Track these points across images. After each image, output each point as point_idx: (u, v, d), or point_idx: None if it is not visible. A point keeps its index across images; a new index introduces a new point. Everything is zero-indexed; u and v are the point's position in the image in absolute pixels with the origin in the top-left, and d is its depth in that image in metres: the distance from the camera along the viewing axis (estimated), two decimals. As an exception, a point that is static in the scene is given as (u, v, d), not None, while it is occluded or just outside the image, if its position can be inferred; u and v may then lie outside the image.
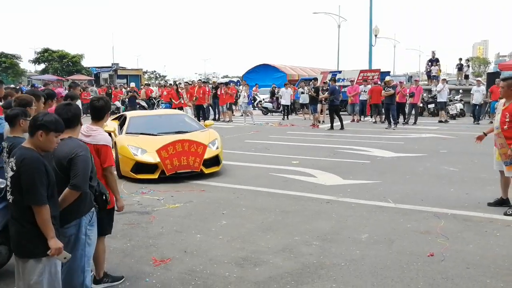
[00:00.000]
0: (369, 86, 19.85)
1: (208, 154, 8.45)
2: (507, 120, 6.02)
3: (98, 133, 3.92)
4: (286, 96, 21.24)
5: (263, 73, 34.44)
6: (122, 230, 5.63)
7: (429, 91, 22.88)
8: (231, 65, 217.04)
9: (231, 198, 7.04)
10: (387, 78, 18.23)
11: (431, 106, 22.10)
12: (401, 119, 18.19)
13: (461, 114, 21.27)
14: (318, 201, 6.76)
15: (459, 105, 21.41)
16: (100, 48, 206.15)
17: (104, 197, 3.56)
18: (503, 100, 6.25)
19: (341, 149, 11.74)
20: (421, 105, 20.36)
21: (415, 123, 18.34)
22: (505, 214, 5.90)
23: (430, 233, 5.28)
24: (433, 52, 25.70)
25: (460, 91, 22.66)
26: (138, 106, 22.86)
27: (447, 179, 8.13)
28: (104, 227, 4.01)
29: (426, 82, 25.91)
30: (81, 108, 3.97)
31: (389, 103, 17.04)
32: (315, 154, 10.99)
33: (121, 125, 9.75)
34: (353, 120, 19.95)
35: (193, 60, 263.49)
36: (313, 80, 19.34)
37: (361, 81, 21.68)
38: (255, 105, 27.12)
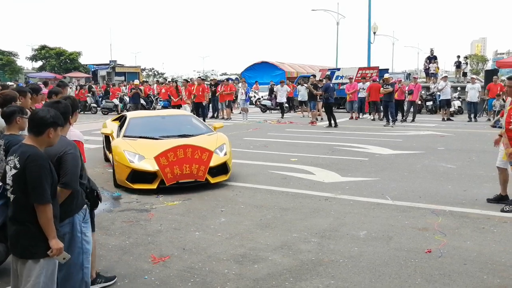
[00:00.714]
0: (368, 84, 19.88)
1: (214, 161, 7.48)
2: None
3: (69, 129, 3.89)
4: (281, 93, 21.16)
5: (261, 70, 34.44)
6: (121, 228, 5.64)
7: (428, 88, 22.92)
8: (229, 62, 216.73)
9: (229, 195, 7.06)
10: (386, 76, 18.26)
11: (429, 103, 22.15)
12: (399, 116, 18.22)
13: (459, 111, 21.31)
14: (316, 198, 6.78)
15: (457, 103, 21.45)
16: (97, 46, 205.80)
17: (95, 194, 3.53)
18: (510, 99, 6.23)
19: (339, 146, 11.76)
20: (419, 102, 20.39)
21: (413, 120, 18.37)
22: (502, 210, 5.93)
23: (428, 230, 5.31)
24: (432, 50, 25.75)
25: (458, 88, 22.70)
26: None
27: (445, 176, 8.16)
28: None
29: (425, 80, 25.94)
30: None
31: (388, 101, 17.06)
32: (314, 151, 11.01)
33: (120, 127, 8.88)
34: (351, 118, 19.97)
35: (191, 58, 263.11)
36: (311, 77, 19.35)
37: (360, 78, 21.71)
38: (254, 102, 27.13)
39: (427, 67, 25.12)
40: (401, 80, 19.24)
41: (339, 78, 24.18)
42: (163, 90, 22.95)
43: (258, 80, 30.58)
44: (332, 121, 16.59)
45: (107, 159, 9.41)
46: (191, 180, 7.28)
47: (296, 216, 5.98)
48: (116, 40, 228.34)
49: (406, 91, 18.32)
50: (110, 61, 47.55)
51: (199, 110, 18.79)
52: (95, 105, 25.10)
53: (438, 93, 20.56)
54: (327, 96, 16.58)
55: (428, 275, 4.12)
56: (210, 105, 21.24)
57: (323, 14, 46.18)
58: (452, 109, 20.08)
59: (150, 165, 7.18)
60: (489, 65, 66.77)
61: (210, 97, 20.66)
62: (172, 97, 19.17)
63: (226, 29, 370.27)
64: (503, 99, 17.35)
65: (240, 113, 20.82)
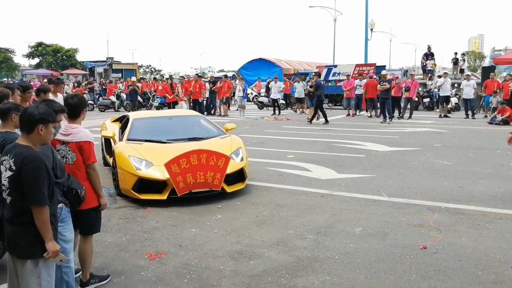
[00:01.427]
0: (365, 81, 19.89)
1: (230, 168, 6.68)
2: None
3: (78, 130, 3.85)
4: (274, 90, 21.10)
5: (259, 67, 34.40)
6: (117, 225, 5.65)
7: (425, 85, 22.94)
8: (227, 59, 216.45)
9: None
10: (383, 72, 18.26)
11: (426, 100, 22.17)
12: (396, 113, 18.24)
13: (456, 108, 21.34)
14: (312, 195, 6.79)
15: (454, 100, 21.47)
16: (94, 42, 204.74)
17: (74, 192, 3.43)
18: None
19: (336, 143, 11.78)
20: (416, 99, 20.41)
21: (410, 117, 18.40)
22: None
23: (423, 226, 5.33)
24: (429, 46, 25.76)
25: (455, 85, 22.72)
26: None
27: (441, 173, 8.19)
28: (92, 225, 3.97)
29: (422, 76, 25.97)
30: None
31: (385, 97, 17.07)
32: (310, 148, 11.02)
33: (123, 129, 8.17)
34: (348, 114, 19.98)
35: (188, 54, 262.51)
36: (313, 74, 19.43)
37: (357, 75, 21.70)
38: (251, 99, 27.11)
39: (424, 64, 25.13)
40: (398, 77, 19.24)
41: (336, 75, 24.19)
42: (160, 87, 22.93)
43: (255, 78, 30.54)
44: (323, 118, 16.72)
45: (106, 163, 8.75)
46: (206, 190, 6.49)
47: (292, 212, 5.99)
48: (113, 37, 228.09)
49: (403, 88, 18.34)
50: (107, 58, 47.36)
51: (196, 107, 18.78)
52: (91, 102, 25.03)
53: (436, 90, 20.58)
54: (319, 94, 16.60)
55: (423, 271, 4.14)
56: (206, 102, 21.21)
57: (321, 11, 46.16)
58: (449, 106, 20.10)
59: (159, 173, 6.38)
60: (487, 62, 66.93)
61: (208, 94, 20.64)
62: (167, 94, 19.14)
63: (223, 26, 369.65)
64: (500, 97, 17.40)
65: (237, 110, 20.80)
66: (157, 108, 24.14)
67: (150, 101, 24.53)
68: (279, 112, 20.76)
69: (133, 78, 22.66)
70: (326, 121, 16.59)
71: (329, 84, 23.71)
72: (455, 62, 26.25)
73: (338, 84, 23.40)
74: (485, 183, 7.37)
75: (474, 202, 6.30)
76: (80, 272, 4.05)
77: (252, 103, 27.00)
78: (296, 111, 21.76)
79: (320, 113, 17.11)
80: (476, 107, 19.21)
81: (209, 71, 72.84)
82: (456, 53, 26.60)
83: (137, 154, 6.71)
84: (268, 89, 24.97)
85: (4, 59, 49.85)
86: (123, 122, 8.55)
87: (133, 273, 4.27)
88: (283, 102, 23.05)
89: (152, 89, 25.53)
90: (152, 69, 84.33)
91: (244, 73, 33.47)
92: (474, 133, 13.72)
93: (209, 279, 4.10)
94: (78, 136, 3.82)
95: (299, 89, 20.94)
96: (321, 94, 16.67)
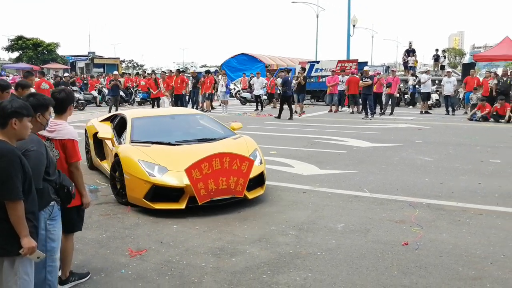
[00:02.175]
0: (347, 77, 19.97)
1: (253, 172, 6.17)
2: None
3: (63, 127, 3.74)
4: (257, 85, 21.05)
5: (242, 62, 34.31)
6: (98, 221, 5.55)
7: (406, 81, 23.17)
8: (209, 54, 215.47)
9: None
10: (365, 68, 18.38)
11: (408, 96, 22.40)
12: (377, 109, 18.38)
13: (437, 104, 21.62)
14: (295, 191, 6.78)
15: (435, 96, 21.74)
16: (76, 37, 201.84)
17: (66, 190, 3.38)
18: None
19: (318, 139, 11.81)
20: (397, 95, 20.60)
21: (391, 113, 18.57)
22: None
23: (405, 222, 5.37)
24: (410, 43, 26.02)
25: (436, 82, 23.00)
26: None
27: (422, 169, 8.27)
28: (74, 224, 3.89)
29: (403, 73, 26.21)
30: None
31: (367, 93, 17.18)
32: (293, 144, 11.02)
33: (117, 130, 7.53)
34: (330, 110, 20.07)
35: (171, 49, 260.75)
36: (300, 70, 19.56)
37: (339, 71, 21.78)
38: (234, 95, 27.03)
39: (405, 60, 25.38)
40: (380, 73, 19.39)
41: (319, 70, 24.24)
42: (142, 83, 22.67)
43: (238, 73, 30.45)
44: (289, 113, 17.07)
45: (92, 167, 8.25)
46: (228, 197, 5.94)
47: (274, 208, 5.97)
48: (95, 31, 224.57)
49: (385, 84, 18.48)
50: (88, 53, 46.74)
51: (178, 102, 18.63)
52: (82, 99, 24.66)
53: (417, 86, 20.80)
54: (285, 89, 17.08)
55: (404, 267, 4.16)
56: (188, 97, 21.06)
57: (303, 7, 46.23)
58: (430, 102, 20.35)
59: (176, 179, 5.78)
60: (467, 59, 67.91)
61: (190, 89, 20.49)
62: (151, 90, 18.95)
63: (206, 21, 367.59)
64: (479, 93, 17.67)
65: (220, 105, 20.71)
66: (139, 103, 23.90)
67: (133, 96, 24.24)
68: (262, 108, 20.73)
69: (115, 73, 22.37)
70: (278, 117, 17.01)
71: (312, 80, 23.75)
72: (436, 58, 26.57)
73: (321, 80, 23.47)
74: (466, 179, 7.47)
75: (454, 198, 6.37)
76: (60, 270, 3.96)
77: (235, 98, 26.93)
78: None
79: (280, 106, 17.58)
80: (456, 104, 19.48)
81: (191, 66, 72.36)
82: (437, 50, 26.93)
83: (147, 158, 6.06)
84: (250, 85, 24.94)
85: (-18, 52, 48.87)
86: (116, 122, 7.88)
87: (113, 270, 4.20)
88: (265, 97, 23.02)
89: (135, 84, 25.24)
90: (135, 64, 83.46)
91: (227, 68, 33.33)
92: (455, 129, 13.90)
93: (191, 276, 4.05)
94: (62, 133, 3.72)
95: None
96: (287, 90, 17.12)
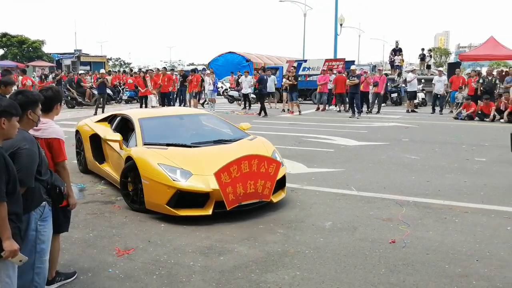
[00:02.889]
0: (333, 76, 20.06)
1: (279, 175, 5.96)
2: None
3: (49, 125, 3.67)
4: (245, 84, 21.07)
5: (229, 61, 34.25)
6: (85, 220, 5.49)
7: (393, 80, 23.34)
8: (197, 52, 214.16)
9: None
10: (352, 67, 18.48)
11: (394, 95, 22.59)
12: (364, 108, 18.50)
13: (423, 103, 21.82)
14: (283, 190, 6.78)
15: (421, 95, 21.95)
16: (62, 34, 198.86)
17: (58, 190, 3.34)
18: None
19: (306, 137, 11.84)
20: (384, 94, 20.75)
21: (378, 112, 18.70)
22: None
23: (392, 220, 5.41)
24: (397, 42, 26.21)
25: (422, 81, 23.22)
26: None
27: (409, 167, 8.34)
28: (61, 224, 3.81)
29: (390, 72, 26.41)
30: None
31: (354, 92, 17.29)
32: (281, 142, 11.02)
33: (118, 131, 7.07)
34: (317, 109, 20.13)
35: (158, 48, 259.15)
36: (292, 69, 19.78)
37: (326, 70, 21.87)
38: (221, 93, 26.97)
39: (392, 59, 25.56)
40: (366, 72, 19.52)
41: (306, 69, 24.31)
42: (130, 81, 22.49)
43: (226, 71, 30.39)
44: (263, 111, 17.64)
45: (86, 170, 7.83)
46: (255, 201, 5.69)
47: (263, 207, 5.95)
48: (81, 29, 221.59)
49: (372, 83, 18.61)
50: (75, 50, 46.18)
51: (165, 100, 18.54)
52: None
53: (403, 85, 20.98)
54: (261, 88, 17.73)
55: (392, 265, 4.19)
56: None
57: (291, 6, 46.26)
58: (416, 101, 20.55)
59: (203, 184, 5.47)
60: (452, 58, 68.68)
61: (178, 87, 20.39)
62: (139, 88, 18.82)
63: (193, 20, 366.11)
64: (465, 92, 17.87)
65: (207, 103, 20.64)
66: (126, 101, 23.72)
67: (120, 94, 24.04)
68: (250, 107, 20.71)
69: (102, 71, 22.16)
70: (260, 114, 17.57)
71: (299, 79, 23.81)
72: (422, 58, 26.81)
73: (308, 78, 23.54)
74: (452, 177, 7.55)
75: (441, 196, 6.43)
76: None
77: (222, 97, 26.86)
78: (270, 105, 21.72)
79: (260, 104, 18.01)
80: (443, 103, 19.71)
81: (179, 65, 71.80)
82: (423, 49, 27.16)
83: (167, 161, 5.70)
84: (238, 83, 24.90)
85: (-34, 49, 48.01)
86: (116, 123, 7.50)
87: (100, 269, 4.16)
88: (254, 96, 23.00)
89: (122, 82, 25.03)
90: (122, 62, 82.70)
91: (215, 66, 33.23)
92: (441, 128, 14.06)
93: (179, 275, 4.03)
94: (48, 132, 3.65)
95: (270, 83, 20.93)
96: (262, 88, 17.77)
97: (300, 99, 24.73)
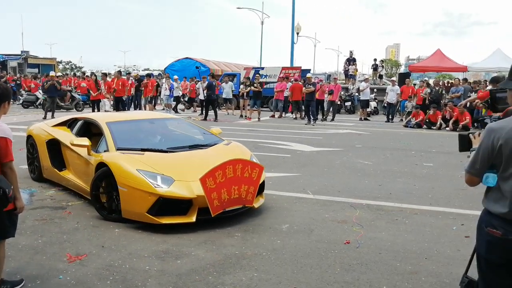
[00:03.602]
0: (290, 83, 20.36)
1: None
2: None
3: None
4: (202, 90, 20.99)
5: (186, 67, 33.98)
6: (33, 226, 5.26)
7: (347, 89, 23.95)
8: (152, 58, 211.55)
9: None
10: (308, 75, 18.84)
11: (348, 104, 23.18)
12: (319, 115, 18.87)
13: (375, 112, 22.51)
14: (240, 194, 6.78)
15: (373, 104, 22.64)
16: (7, 34, 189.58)
17: (1, 192, 3.17)
18: None
19: (263, 143, 11.93)
20: (338, 102, 21.25)
21: (333, 119, 19.12)
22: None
23: (347, 222, 5.54)
24: (351, 52, 26.99)
25: (375, 90, 23.98)
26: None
27: (362, 172, 8.57)
28: (6, 230, 3.60)
29: (344, 81, 27.12)
30: None
31: (310, 100, 17.60)
32: (238, 148, 11.04)
33: (81, 136, 6.70)
34: (272, 116, 20.32)
35: (112, 52, 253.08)
36: (257, 75, 20.05)
37: (283, 78, 22.17)
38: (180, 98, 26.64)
39: (346, 68, 26.29)
40: (322, 80, 19.95)
41: (263, 77, 24.52)
42: (83, 84, 21.85)
43: (180, 76, 30.11)
44: (214, 115, 18.46)
45: (41, 178, 7.30)
46: (239, 207, 5.58)
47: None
48: (29, 29, 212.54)
49: (327, 91, 19.02)
50: (21, 52, 44.31)
51: (119, 104, 18.16)
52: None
53: (357, 94, 21.58)
54: (209, 94, 18.23)
55: (346, 264, 4.29)
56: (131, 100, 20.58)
57: (248, 13, 46.58)
58: (368, 109, 21.17)
59: (186, 190, 5.25)
60: (402, 70, 71.33)
61: (133, 92, 20.04)
62: (91, 92, 18.34)
63: (148, 23, 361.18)
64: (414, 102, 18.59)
65: (164, 109, 20.39)
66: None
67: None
68: (207, 113, 20.61)
69: (52, 73, 21.43)
70: (205, 119, 18.05)
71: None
72: (375, 68, 27.72)
73: (265, 86, 23.74)
74: (402, 181, 7.83)
75: (392, 199, 6.66)
76: None
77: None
78: (227, 112, 21.75)
79: (205, 109, 18.66)
80: (394, 111, 20.41)
81: (133, 70, 70.55)
82: (375, 60, 28.10)
83: (146, 167, 5.42)
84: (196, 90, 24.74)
85: None
86: (78, 127, 7.11)
87: (50, 276, 4.00)
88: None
89: (73, 86, 24.28)
90: (73, 66, 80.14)
91: (171, 72, 32.88)
92: (391, 135, 14.55)
93: (134, 279, 3.94)
94: None
95: (227, 90, 20.99)
96: (211, 94, 18.24)
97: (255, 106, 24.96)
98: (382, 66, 29.60)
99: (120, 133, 6.30)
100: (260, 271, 4.13)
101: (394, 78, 22.99)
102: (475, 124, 16.25)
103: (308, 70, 25.78)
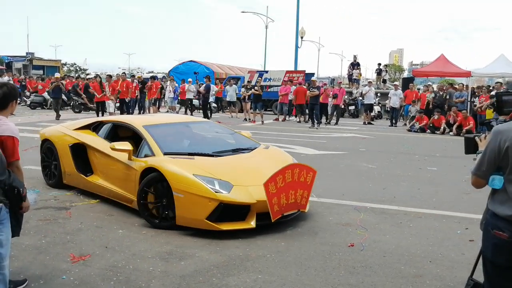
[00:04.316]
0: (294, 87, 20.35)
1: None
2: None
3: (3, 122, 3.47)
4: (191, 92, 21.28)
5: (190, 70, 34.05)
6: (37, 226, 5.27)
7: (350, 93, 23.93)
8: (156, 61, 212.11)
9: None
10: (313, 79, 18.85)
11: (352, 107, 23.15)
12: (323, 119, 18.85)
13: (379, 116, 22.46)
14: (244, 196, 6.77)
15: (377, 108, 22.60)
16: (12, 36, 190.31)
17: (16, 191, 3.19)
18: None
19: (266, 146, 11.90)
20: (342, 106, 21.23)
21: (336, 123, 19.10)
22: None
23: (351, 225, 5.52)
24: (355, 56, 26.94)
25: (378, 94, 23.94)
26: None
27: (366, 175, 8.55)
28: (12, 229, 3.58)
29: (348, 85, 27.09)
30: None
31: (314, 103, 17.60)
32: (241, 150, 11.05)
33: (111, 140, 6.40)
34: (276, 119, 20.31)
35: (116, 54, 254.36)
36: (259, 79, 20.15)
37: (287, 81, 22.17)
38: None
39: (350, 73, 26.23)
40: (326, 84, 19.95)
41: (267, 80, 24.54)
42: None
43: (185, 79, 30.19)
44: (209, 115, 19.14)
45: (60, 185, 6.95)
46: (295, 212, 5.53)
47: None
48: (34, 31, 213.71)
49: (331, 95, 19.01)
50: (27, 53, 44.55)
51: (123, 106, 18.22)
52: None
53: (360, 98, 21.55)
54: (207, 96, 19.04)
55: (351, 267, 4.27)
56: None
57: (253, 17, 46.72)
58: (372, 113, 21.14)
59: (246, 195, 5.13)
60: (405, 75, 71.29)
61: (138, 94, 20.08)
62: (95, 93, 18.38)
63: (153, 27, 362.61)
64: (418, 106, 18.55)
65: (167, 111, 20.43)
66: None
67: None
68: (211, 115, 20.65)
69: (57, 75, 21.52)
70: (206, 117, 18.35)
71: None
72: (379, 72, 27.67)
73: (269, 89, 23.76)
74: (406, 185, 7.81)
75: (396, 202, 6.64)
76: None
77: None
78: (231, 115, 21.76)
79: (203, 111, 19.46)
80: (398, 116, 20.36)
81: (137, 72, 70.63)
82: (379, 64, 28.06)
83: (202, 172, 5.25)
84: (198, 92, 24.78)
85: None
86: (108, 131, 6.77)
87: (53, 276, 4.00)
88: (215, 105, 22.99)
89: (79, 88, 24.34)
90: (77, 68, 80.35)
91: (175, 75, 32.97)
92: (395, 139, 14.52)
93: (138, 280, 3.94)
94: (1, 129, 3.48)
95: (231, 93, 21.00)
96: (208, 96, 19.05)
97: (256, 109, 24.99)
98: (386, 71, 29.60)
99: (160, 137, 6.05)
100: (264, 273, 4.11)
101: (397, 83, 22.90)
102: (479, 129, 16.21)
103: (312, 74, 25.77)
